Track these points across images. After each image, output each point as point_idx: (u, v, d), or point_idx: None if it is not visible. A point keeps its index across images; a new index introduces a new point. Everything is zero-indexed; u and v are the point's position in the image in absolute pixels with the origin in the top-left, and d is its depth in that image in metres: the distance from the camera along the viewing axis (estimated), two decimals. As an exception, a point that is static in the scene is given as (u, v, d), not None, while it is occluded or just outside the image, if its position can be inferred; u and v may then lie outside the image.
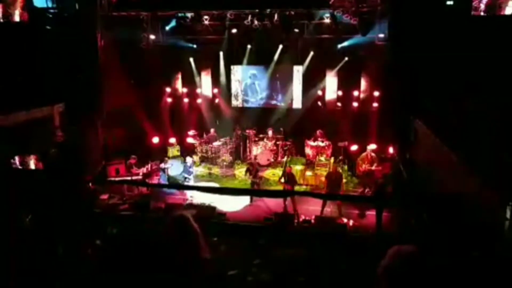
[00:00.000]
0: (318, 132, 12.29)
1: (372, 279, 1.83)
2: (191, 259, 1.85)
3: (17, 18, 9.33)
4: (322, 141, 12.22)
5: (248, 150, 12.93)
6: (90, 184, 10.20)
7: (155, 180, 11.12)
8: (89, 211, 9.27)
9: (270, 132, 12.73)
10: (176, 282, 1.80)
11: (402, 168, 9.47)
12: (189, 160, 11.17)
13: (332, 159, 11.61)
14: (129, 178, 10.89)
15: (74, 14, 9.42)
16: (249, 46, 13.00)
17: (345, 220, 9.08)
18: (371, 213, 8.81)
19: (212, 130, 13.20)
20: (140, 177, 10.96)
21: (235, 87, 14.15)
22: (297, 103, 13.72)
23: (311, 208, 9.32)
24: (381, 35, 10.42)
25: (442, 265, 1.67)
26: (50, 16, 9.45)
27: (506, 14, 8.06)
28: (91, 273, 2.44)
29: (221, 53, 13.47)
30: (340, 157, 11.81)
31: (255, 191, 10.22)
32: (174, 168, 11.66)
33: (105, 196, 10.30)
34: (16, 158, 8.71)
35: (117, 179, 10.83)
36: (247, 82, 14.07)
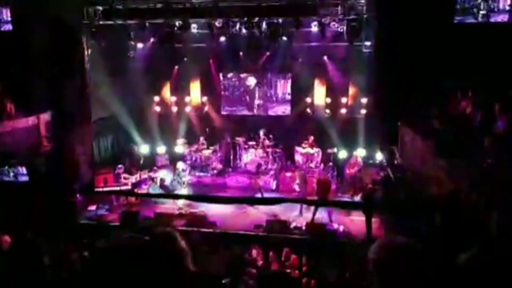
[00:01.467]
0: (310, 138, 12.30)
1: (361, 284, 1.81)
2: (178, 276, 1.78)
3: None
4: (312, 148, 12.26)
5: (238, 157, 12.90)
6: (78, 195, 10.04)
7: (143, 190, 10.98)
8: (74, 223, 9.12)
9: (261, 133, 12.67)
10: None
11: (391, 174, 9.56)
12: (180, 166, 11.04)
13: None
14: (117, 188, 10.74)
15: (61, 22, 9.32)
16: (238, 54, 13.03)
17: (335, 226, 9.10)
18: (361, 219, 8.84)
19: (201, 139, 13.14)
20: (129, 186, 10.82)
21: (224, 95, 14.14)
22: (286, 110, 13.78)
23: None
24: (368, 43, 10.58)
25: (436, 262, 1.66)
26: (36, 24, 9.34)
27: (495, 22, 8.25)
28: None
29: (209, 61, 13.47)
30: (330, 164, 11.87)
31: (246, 199, 10.20)
32: (165, 176, 11.55)
33: (92, 207, 10.13)
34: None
35: (105, 189, 10.67)
36: (235, 90, 14.08)
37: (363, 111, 12.50)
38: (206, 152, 12.73)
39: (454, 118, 7.93)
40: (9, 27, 9.70)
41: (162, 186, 11.18)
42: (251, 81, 13.79)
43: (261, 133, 12.68)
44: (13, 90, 9.29)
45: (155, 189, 11.02)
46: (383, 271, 1.57)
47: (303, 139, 12.40)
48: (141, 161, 12.26)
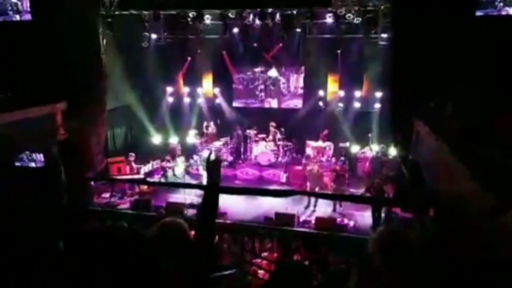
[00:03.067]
0: (323, 132, 12.19)
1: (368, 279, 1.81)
2: (186, 270, 1.77)
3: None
4: (324, 142, 12.17)
5: (248, 150, 12.91)
6: (92, 183, 10.24)
7: (155, 179, 11.14)
8: (86, 209, 9.29)
9: (272, 128, 12.59)
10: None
11: (404, 169, 9.43)
12: (205, 154, 11.03)
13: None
14: (130, 176, 10.93)
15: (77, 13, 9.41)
16: (251, 46, 12.95)
17: (345, 221, 9.06)
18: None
19: (212, 130, 13.18)
20: (141, 176, 11.00)
21: (237, 87, 14.12)
22: (299, 103, 13.69)
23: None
24: (384, 35, 10.37)
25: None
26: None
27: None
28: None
29: (222, 53, 13.45)
30: (342, 158, 11.77)
31: (255, 190, 10.20)
32: (177, 165, 11.69)
33: (106, 194, 10.34)
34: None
35: (119, 177, 10.87)
36: (248, 82, 14.04)
37: (377, 105, 12.31)
38: (217, 144, 12.77)
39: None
40: (28, 16, 9.86)
41: (187, 172, 11.32)
42: (273, 72, 13.64)
43: (272, 126, 12.63)
44: (29, 79, 9.47)
45: (172, 177, 11.13)
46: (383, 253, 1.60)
47: (315, 132, 12.30)
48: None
